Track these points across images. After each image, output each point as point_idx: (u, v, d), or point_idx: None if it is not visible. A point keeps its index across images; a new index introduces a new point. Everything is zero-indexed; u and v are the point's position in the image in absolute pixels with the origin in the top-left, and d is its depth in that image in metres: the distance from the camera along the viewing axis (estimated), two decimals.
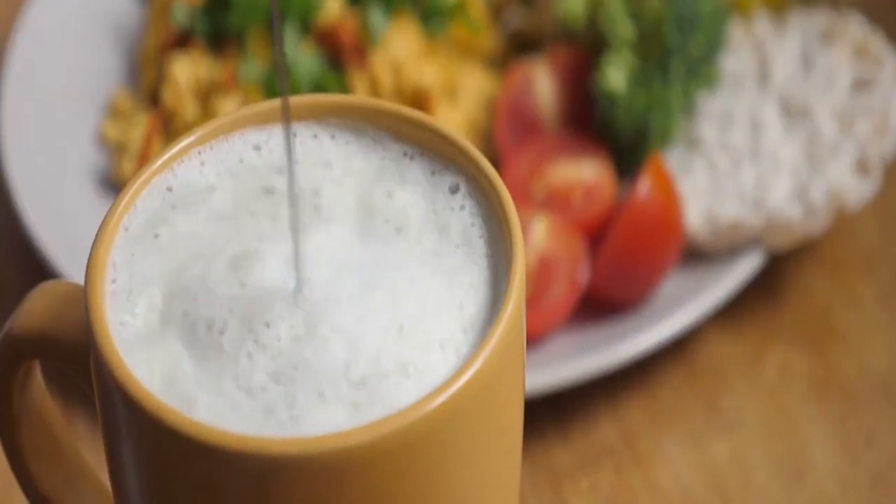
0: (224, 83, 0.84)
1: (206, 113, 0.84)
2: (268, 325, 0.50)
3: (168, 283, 0.52)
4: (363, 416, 0.49)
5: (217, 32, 0.86)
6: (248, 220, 0.53)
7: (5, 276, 0.85)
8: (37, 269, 0.83)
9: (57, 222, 0.82)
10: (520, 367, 0.53)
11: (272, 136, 0.56)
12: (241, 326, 0.51)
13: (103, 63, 0.90)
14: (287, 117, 0.52)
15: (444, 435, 0.49)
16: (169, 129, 0.85)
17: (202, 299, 0.51)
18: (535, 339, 0.78)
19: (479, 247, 0.53)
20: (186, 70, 0.85)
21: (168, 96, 0.85)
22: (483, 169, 0.53)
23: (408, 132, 0.55)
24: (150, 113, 0.85)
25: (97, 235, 0.53)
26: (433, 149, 0.55)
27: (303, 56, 0.83)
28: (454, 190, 0.54)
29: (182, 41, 0.86)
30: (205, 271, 0.52)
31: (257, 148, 0.55)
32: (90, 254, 0.53)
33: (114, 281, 0.52)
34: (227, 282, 0.52)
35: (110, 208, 0.54)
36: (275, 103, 0.56)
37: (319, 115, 0.56)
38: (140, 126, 0.85)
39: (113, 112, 0.88)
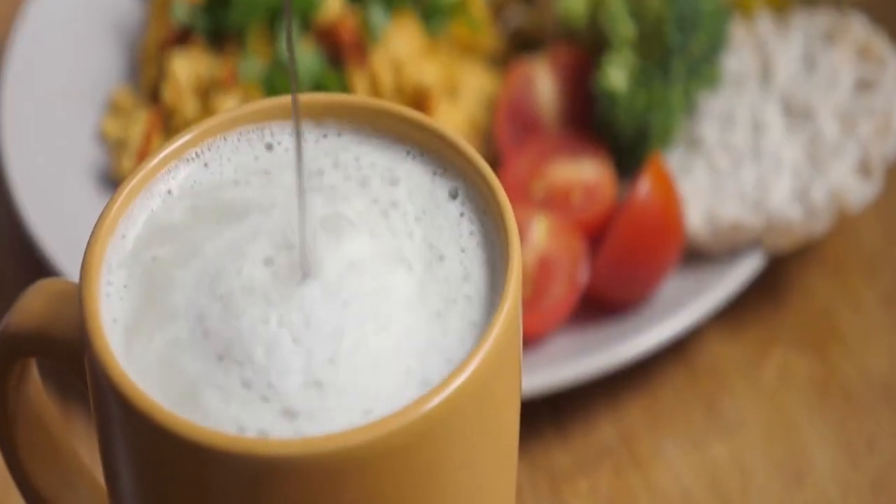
0: (224, 80, 0.84)
1: (206, 110, 0.84)
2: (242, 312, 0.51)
3: (172, 279, 0.52)
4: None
5: (217, 30, 0.86)
6: (277, 216, 0.53)
7: (5, 274, 0.85)
8: (36, 266, 0.83)
9: (56, 220, 0.82)
10: (516, 368, 0.53)
11: (275, 135, 0.55)
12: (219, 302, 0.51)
13: (104, 60, 0.90)
14: (297, 115, 0.52)
15: (441, 435, 0.49)
16: (169, 126, 0.85)
17: (216, 287, 0.52)
18: (534, 339, 0.78)
19: (477, 250, 0.53)
20: (186, 67, 0.85)
21: (168, 93, 0.85)
22: (482, 172, 0.53)
23: (408, 132, 0.55)
24: (150, 110, 0.85)
25: (92, 234, 0.53)
26: (433, 150, 0.55)
27: (303, 54, 0.83)
28: (454, 196, 0.54)
29: (182, 38, 0.86)
30: (225, 262, 0.52)
31: (269, 147, 0.55)
32: (85, 253, 0.52)
33: (110, 283, 0.52)
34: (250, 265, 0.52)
35: (106, 207, 0.53)
36: (272, 101, 0.56)
37: (318, 115, 0.56)
38: (140, 123, 0.85)
39: (113, 109, 0.88)
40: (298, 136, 0.52)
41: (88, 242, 0.53)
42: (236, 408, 0.49)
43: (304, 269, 0.51)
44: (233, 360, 0.50)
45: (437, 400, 0.48)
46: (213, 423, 0.49)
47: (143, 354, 0.51)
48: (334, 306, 0.51)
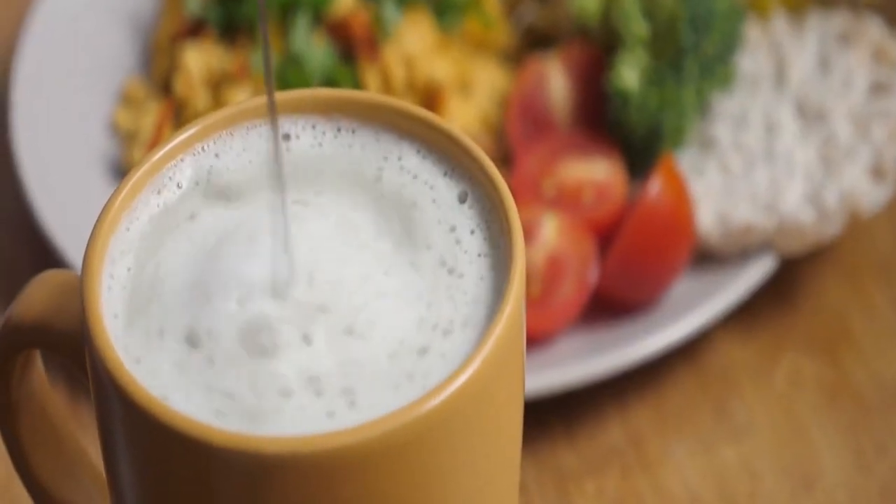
0: (235, 73, 0.84)
1: (218, 102, 0.84)
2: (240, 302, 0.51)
3: (176, 272, 0.52)
4: None
5: (229, 23, 0.86)
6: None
7: (16, 265, 0.85)
8: (47, 257, 0.83)
9: (67, 210, 0.82)
10: (519, 369, 0.52)
11: (287, 127, 0.55)
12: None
13: (116, 51, 0.90)
14: (274, 110, 0.51)
15: (440, 436, 0.49)
16: (180, 117, 0.85)
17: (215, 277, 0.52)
18: (543, 338, 0.78)
19: (482, 251, 0.52)
20: (198, 59, 0.85)
21: (179, 85, 0.85)
22: (488, 172, 0.53)
23: (415, 130, 0.55)
24: (162, 101, 0.85)
25: (95, 227, 0.53)
26: (441, 148, 0.54)
27: (314, 48, 0.83)
28: (462, 200, 0.53)
29: (195, 30, 0.86)
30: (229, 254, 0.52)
31: (287, 138, 0.55)
32: (87, 246, 0.52)
33: (112, 276, 0.52)
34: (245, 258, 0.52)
35: (109, 199, 0.53)
36: (282, 95, 0.56)
37: (323, 110, 0.55)
38: (151, 114, 0.85)
39: (125, 100, 0.88)
40: (276, 138, 0.51)
41: (91, 235, 0.53)
42: (236, 402, 0.49)
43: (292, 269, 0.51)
44: (234, 352, 0.50)
45: (436, 400, 0.48)
46: (214, 417, 0.49)
47: (143, 348, 0.51)
48: (340, 302, 0.50)
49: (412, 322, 0.51)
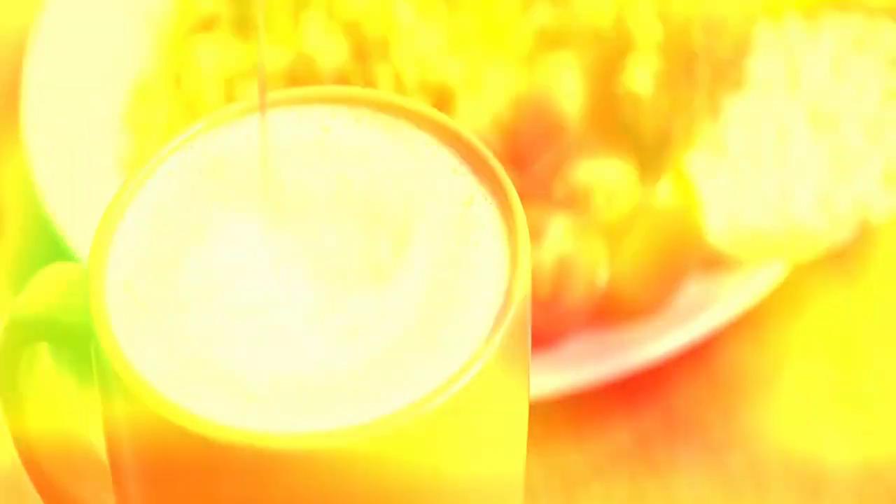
0: (247, 69, 0.84)
1: (229, 98, 0.84)
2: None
3: (184, 264, 0.52)
4: None
5: (242, 18, 0.86)
6: None
7: (24, 257, 0.85)
8: (59, 252, 0.83)
9: (78, 204, 0.82)
10: (524, 371, 0.52)
11: (328, 121, 0.55)
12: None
13: (129, 45, 0.90)
14: (264, 105, 0.51)
15: (444, 436, 0.49)
16: (191, 113, 0.85)
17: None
18: (551, 340, 0.78)
19: (487, 252, 0.52)
20: (211, 54, 0.85)
21: (191, 80, 0.85)
22: (495, 172, 0.53)
23: (426, 129, 0.55)
24: (174, 97, 0.85)
25: (101, 219, 0.53)
26: (448, 147, 0.54)
27: (326, 46, 0.83)
28: (469, 197, 0.53)
29: (207, 25, 0.86)
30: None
31: (325, 130, 0.55)
32: (93, 238, 0.52)
33: (118, 266, 0.52)
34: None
35: (116, 192, 0.53)
36: (292, 93, 0.56)
37: (331, 106, 0.56)
38: (163, 109, 0.85)
39: (137, 94, 0.88)
40: (264, 130, 0.51)
41: (97, 228, 0.53)
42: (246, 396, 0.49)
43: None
44: (245, 344, 0.50)
45: (439, 400, 0.48)
46: (219, 412, 0.49)
47: (151, 343, 0.51)
48: (341, 293, 0.50)
49: (413, 319, 0.51)
